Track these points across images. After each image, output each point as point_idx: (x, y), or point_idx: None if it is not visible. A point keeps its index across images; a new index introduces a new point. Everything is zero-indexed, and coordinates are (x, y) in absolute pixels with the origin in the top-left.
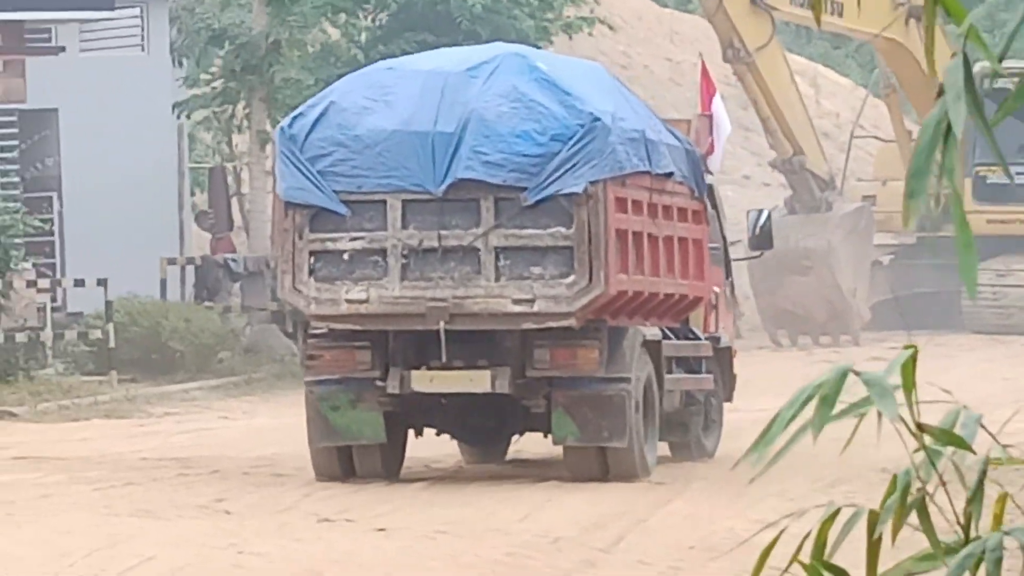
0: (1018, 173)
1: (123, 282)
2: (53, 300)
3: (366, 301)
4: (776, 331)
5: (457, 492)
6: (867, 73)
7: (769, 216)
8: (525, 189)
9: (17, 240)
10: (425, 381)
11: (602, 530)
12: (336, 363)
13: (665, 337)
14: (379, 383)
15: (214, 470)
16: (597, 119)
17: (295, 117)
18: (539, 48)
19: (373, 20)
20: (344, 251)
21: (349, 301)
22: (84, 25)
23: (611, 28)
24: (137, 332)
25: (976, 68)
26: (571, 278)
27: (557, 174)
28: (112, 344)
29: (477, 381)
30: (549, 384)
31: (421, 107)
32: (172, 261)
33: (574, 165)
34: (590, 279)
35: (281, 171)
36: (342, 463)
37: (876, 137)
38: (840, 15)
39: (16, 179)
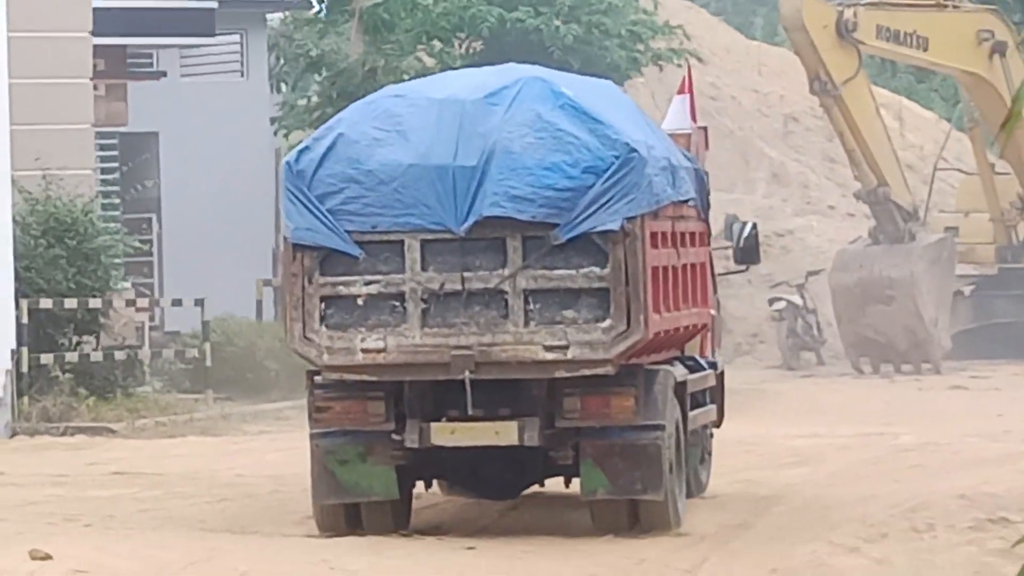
0: None
1: (220, 302)
2: (151, 319)
3: (384, 350)
4: (858, 358)
5: (544, 514)
6: (951, 107)
7: (754, 228)
8: (555, 226)
9: (117, 260)
10: (446, 434)
11: (686, 551)
12: (347, 416)
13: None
14: (394, 436)
15: (306, 487)
16: (633, 150)
17: (301, 151)
18: (629, 78)
19: (467, 49)
20: (358, 296)
21: (365, 351)
22: (185, 51)
23: (700, 60)
24: (233, 352)
25: None
26: (607, 322)
27: (591, 210)
28: (208, 363)
29: (504, 434)
30: (577, 433)
31: (438, 139)
32: (268, 282)
33: (609, 200)
34: (628, 323)
35: (288, 210)
36: (349, 519)
37: (959, 170)
38: (925, 49)
39: (117, 200)
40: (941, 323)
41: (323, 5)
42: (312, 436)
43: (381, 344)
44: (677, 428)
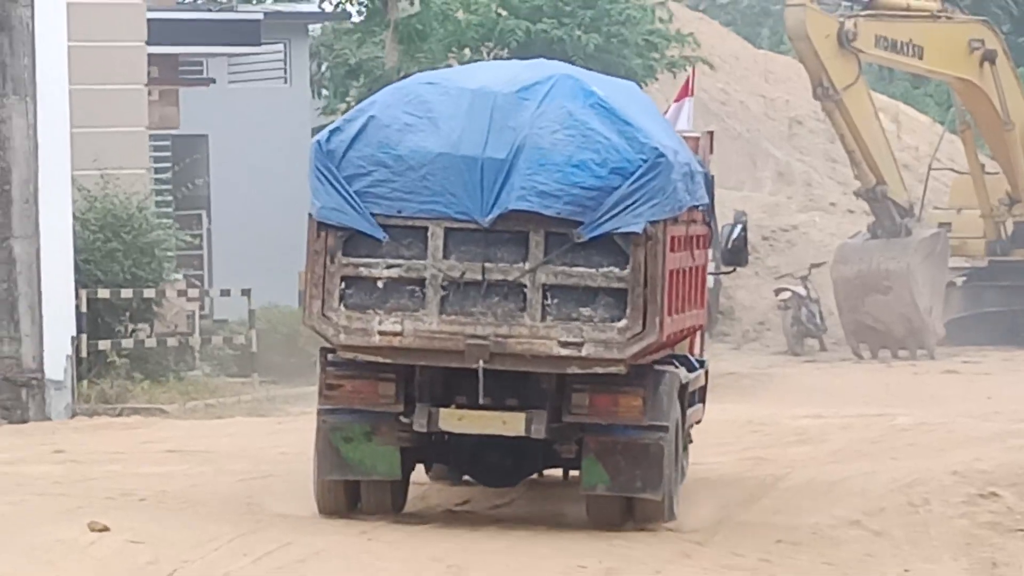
0: None
1: (264, 292)
2: (201, 308)
3: (400, 334)
4: (858, 345)
5: (567, 489)
6: (944, 111)
7: (744, 230)
8: (579, 223)
9: (169, 253)
10: (454, 420)
11: (698, 522)
12: (357, 395)
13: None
14: (402, 419)
15: None
16: (662, 155)
17: (332, 131)
18: (645, 84)
19: (494, 56)
20: (379, 278)
21: (382, 333)
22: (232, 59)
23: (711, 67)
24: (277, 338)
25: None
26: (623, 322)
27: (615, 210)
28: (254, 349)
29: (511, 424)
30: (582, 428)
31: (469, 129)
32: None
33: (635, 202)
34: (644, 325)
35: (315, 189)
36: (348, 497)
37: (952, 169)
38: (920, 58)
39: (169, 198)
40: (935, 312)
41: (361, 16)
42: (320, 412)
43: (398, 328)
44: (677, 428)
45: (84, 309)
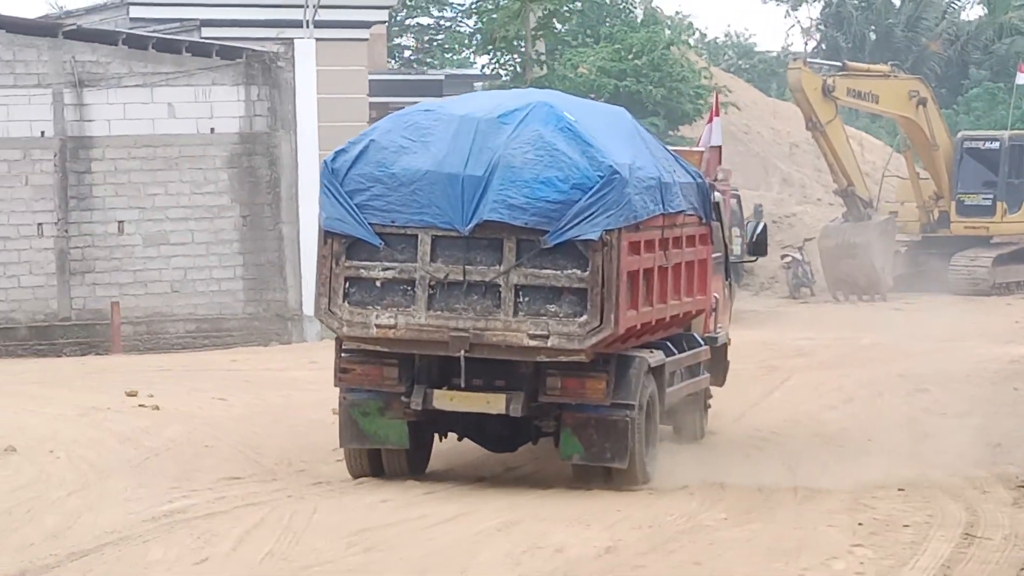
0: (984, 198)
1: None
2: None
3: (394, 327)
4: (836, 292)
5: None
6: (893, 137)
7: (765, 228)
8: (545, 232)
9: None
10: (445, 400)
11: (730, 408)
12: (366, 377)
13: (668, 352)
14: (404, 398)
15: None
16: (616, 172)
17: (338, 153)
18: (695, 120)
19: None
20: (376, 279)
21: (379, 326)
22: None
23: (738, 109)
24: None
25: (958, 135)
26: (583, 317)
27: (576, 220)
28: None
29: (494, 403)
30: (559, 407)
31: (453, 150)
32: None
33: (592, 213)
34: (601, 320)
35: (322, 202)
36: (372, 464)
37: (898, 176)
38: (877, 103)
39: None
40: (887, 270)
41: (508, 77)
42: (341, 391)
43: (392, 321)
44: (650, 403)
45: None
